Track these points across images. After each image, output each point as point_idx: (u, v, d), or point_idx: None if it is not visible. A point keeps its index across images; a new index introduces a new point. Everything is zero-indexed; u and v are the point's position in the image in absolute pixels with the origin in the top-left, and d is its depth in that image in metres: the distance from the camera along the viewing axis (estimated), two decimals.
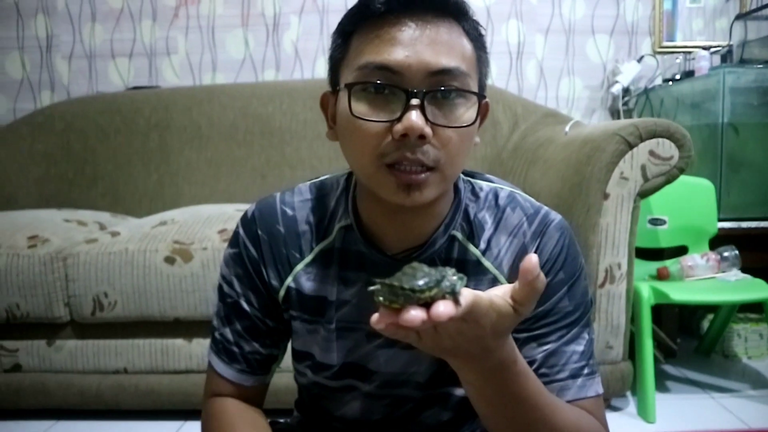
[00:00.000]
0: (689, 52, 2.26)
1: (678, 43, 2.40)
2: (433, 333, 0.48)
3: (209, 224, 1.54)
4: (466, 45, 0.60)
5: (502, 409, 0.59)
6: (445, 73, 0.57)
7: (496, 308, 0.49)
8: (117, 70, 2.45)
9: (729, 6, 2.40)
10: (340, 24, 0.63)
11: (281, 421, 0.86)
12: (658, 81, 2.33)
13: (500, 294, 0.50)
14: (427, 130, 0.56)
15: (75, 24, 2.43)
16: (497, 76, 2.42)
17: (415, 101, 0.56)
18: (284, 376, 1.14)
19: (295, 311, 0.73)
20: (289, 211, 0.73)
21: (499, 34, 2.40)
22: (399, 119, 0.56)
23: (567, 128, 1.73)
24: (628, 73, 2.32)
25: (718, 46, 2.20)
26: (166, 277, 1.46)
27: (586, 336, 0.69)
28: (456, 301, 0.44)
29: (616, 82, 2.32)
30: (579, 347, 0.68)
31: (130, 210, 2.13)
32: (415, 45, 0.57)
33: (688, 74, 2.17)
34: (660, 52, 2.39)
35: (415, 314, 0.42)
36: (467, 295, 0.46)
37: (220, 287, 0.75)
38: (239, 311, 0.73)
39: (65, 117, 2.24)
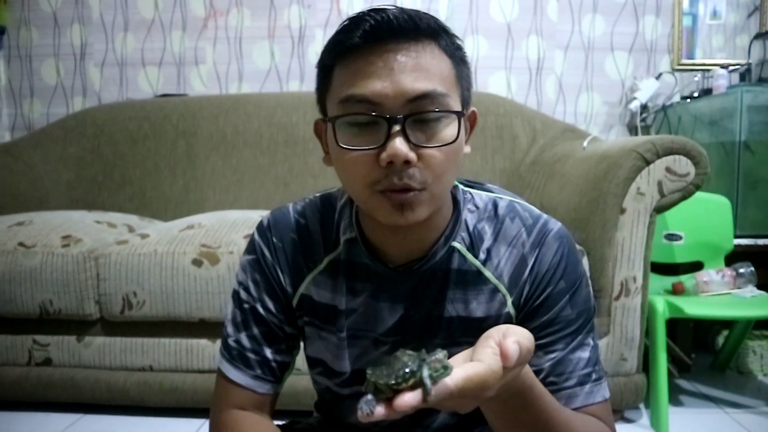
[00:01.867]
0: (708, 70, 2.29)
1: (697, 60, 2.42)
2: (443, 403, 0.50)
3: (235, 229, 1.59)
4: (444, 64, 0.61)
5: (519, 430, 0.61)
6: (423, 97, 0.59)
7: (496, 376, 0.50)
8: (147, 77, 2.53)
9: (750, 22, 2.42)
10: (320, 58, 0.65)
11: (302, 421, 0.89)
12: (676, 98, 2.36)
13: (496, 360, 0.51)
14: (411, 155, 0.58)
15: (108, 33, 2.52)
16: (516, 91, 2.46)
17: (396, 127, 0.58)
18: (303, 379, 1.18)
19: (308, 317, 0.75)
20: (302, 220, 0.75)
21: (519, 49, 2.44)
22: (383, 146, 0.59)
23: (585, 144, 1.76)
24: (647, 90, 2.34)
25: (737, 65, 2.22)
26: (193, 278, 1.51)
27: (590, 342, 0.70)
28: (425, 393, 0.47)
29: (635, 98, 2.35)
30: (584, 354, 0.69)
31: (156, 213, 2.19)
32: (392, 74, 0.58)
33: (707, 92, 2.20)
34: (678, 70, 2.42)
35: (379, 410, 0.48)
36: (457, 377, 0.48)
37: (236, 293, 0.76)
38: (256, 316, 0.74)
39: (96, 122, 2.32)
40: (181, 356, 1.57)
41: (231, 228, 1.60)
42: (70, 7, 2.52)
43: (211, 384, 1.60)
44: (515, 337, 0.51)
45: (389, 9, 0.60)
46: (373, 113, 0.59)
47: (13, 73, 2.57)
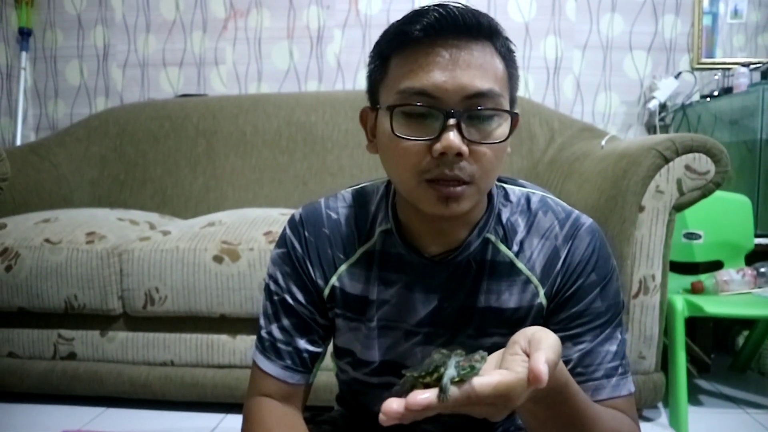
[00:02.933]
0: (728, 69, 2.27)
1: (717, 59, 2.40)
2: (471, 409, 0.49)
3: (255, 226, 1.62)
4: (499, 65, 0.63)
5: (551, 426, 0.61)
6: (479, 96, 0.61)
7: (523, 385, 0.49)
8: (167, 78, 2.57)
9: None
10: (377, 46, 0.67)
11: (323, 413, 0.91)
12: (696, 97, 2.34)
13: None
14: (464, 148, 0.60)
15: (130, 35, 2.56)
16: (534, 90, 2.46)
17: (452, 121, 0.60)
18: (323, 375, 1.19)
19: (338, 309, 0.77)
20: (334, 215, 0.77)
21: (537, 49, 2.44)
22: (437, 138, 0.60)
23: (603, 142, 1.76)
24: (666, 89, 2.33)
25: (759, 63, 2.19)
26: (214, 275, 1.54)
27: (618, 336, 0.71)
28: (441, 392, 0.47)
29: (653, 97, 2.34)
30: (612, 347, 0.70)
31: (176, 212, 2.22)
32: (451, 69, 0.60)
33: (727, 91, 2.18)
34: (698, 69, 2.40)
35: (391, 405, 0.46)
36: (482, 383, 0.47)
37: (267, 287, 0.78)
38: (286, 308, 0.76)
39: (119, 122, 2.36)
40: (202, 351, 1.60)
41: (251, 225, 1.62)
42: (94, 9, 2.57)
43: (231, 379, 1.64)
44: (544, 354, 0.48)
45: (452, 5, 0.62)
46: (431, 106, 0.61)
47: (39, 74, 2.63)
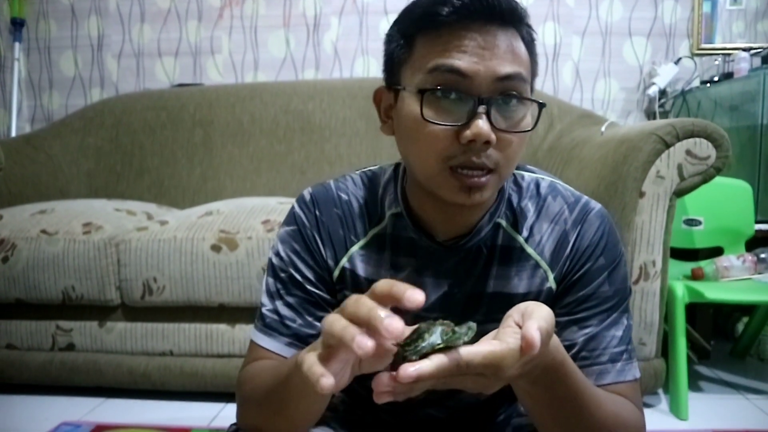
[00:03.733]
0: (728, 54, 2.25)
1: (717, 45, 2.39)
2: (461, 380, 0.49)
3: (253, 215, 1.61)
4: (524, 51, 0.63)
5: (548, 407, 0.60)
6: (509, 78, 0.60)
7: (514, 355, 0.48)
8: (163, 68, 2.55)
9: None
10: (400, 24, 0.65)
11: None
12: (696, 83, 2.33)
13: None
14: (493, 136, 0.59)
15: (125, 24, 2.54)
16: None
17: (482, 108, 0.59)
18: None
19: (348, 291, 0.75)
20: (345, 196, 0.76)
21: (536, 35, 2.41)
22: (467, 125, 0.59)
23: (603, 128, 1.75)
24: (665, 75, 2.31)
25: (759, 48, 2.18)
26: (212, 264, 1.53)
27: (624, 321, 0.71)
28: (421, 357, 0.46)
29: (653, 84, 2.33)
30: (618, 332, 0.70)
31: (174, 202, 2.21)
32: (482, 52, 0.59)
33: (727, 76, 2.16)
34: (698, 54, 2.39)
35: (382, 379, 0.45)
36: (470, 351, 0.47)
37: (272, 265, 0.76)
38: (294, 283, 0.74)
39: (114, 112, 2.34)
40: (201, 341, 1.59)
41: (249, 214, 1.61)
42: None
43: (230, 368, 1.63)
44: (536, 322, 0.49)
45: None
46: (462, 89, 0.60)
47: (33, 65, 2.60)
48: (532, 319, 0.49)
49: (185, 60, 2.53)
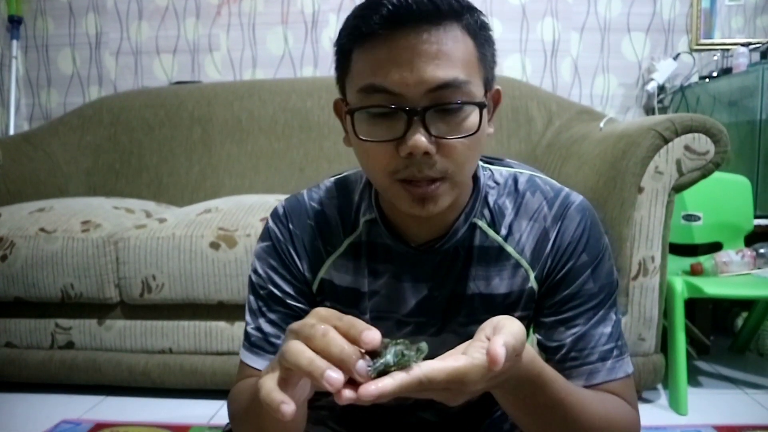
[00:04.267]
0: (727, 50, 2.25)
1: (716, 40, 2.38)
2: (426, 394, 0.48)
3: (252, 212, 1.60)
4: (467, 46, 0.59)
5: (528, 414, 0.60)
6: (444, 87, 0.57)
7: (479, 370, 0.48)
8: (161, 65, 2.54)
9: None
10: (338, 39, 0.63)
11: (321, 398, 0.90)
12: (695, 78, 2.32)
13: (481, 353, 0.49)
14: (431, 147, 0.57)
15: (123, 22, 2.53)
16: (532, 73, 2.44)
17: (416, 119, 0.57)
18: None
19: (329, 302, 0.74)
20: (317, 206, 0.75)
21: (535, 31, 2.42)
22: (403, 138, 0.58)
23: (602, 124, 1.75)
24: (664, 71, 2.31)
25: (758, 43, 2.18)
26: (211, 261, 1.53)
27: (613, 317, 0.70)
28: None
29: (652, 79, 2.32)
30: (606, 329, 0.69)
31: (173, 200, 2.21)
32: (412, 63, 0.57)
33: (726, 71, 2.16)
34: (697, 50, 2.38)
35: (347, 394, 0.44)
36: (429, 367, 0.46)
37: (251, 282, 0.75)
38: (275, 300, 0.73)
39: (113, 110, 2.34)
40: (200, 339, 1.59)
41: (248, 211, 1.61)
42: None
43: (230, 366, 1.63)
44: (503, 338, 0.47)
45: None
46: (393, 105, 0.58)
47: (30, 63, 2.60)
48: (500, 335, 0.48)
49: (183, 57, 2.53)
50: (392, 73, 0.57)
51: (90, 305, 1.62)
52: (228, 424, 0.79)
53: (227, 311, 1.58)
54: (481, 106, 0.60)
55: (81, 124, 2.34)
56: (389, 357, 0.46)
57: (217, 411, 1.54)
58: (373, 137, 0.59)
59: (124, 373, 1.61)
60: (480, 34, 0.62)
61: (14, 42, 2.53)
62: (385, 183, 0.62)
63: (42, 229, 1.61)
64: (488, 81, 0.64)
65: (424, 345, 0.48)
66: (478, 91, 0.61)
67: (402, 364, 0.46)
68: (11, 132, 2.49)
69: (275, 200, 1.71)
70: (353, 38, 0.60)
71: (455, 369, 0.47)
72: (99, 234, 1.60)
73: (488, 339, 0.49)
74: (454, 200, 0.65)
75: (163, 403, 1.59)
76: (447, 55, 0.57)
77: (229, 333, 1.58)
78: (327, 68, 2.47)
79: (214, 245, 1.53)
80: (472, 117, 0.60)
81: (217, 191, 2.19)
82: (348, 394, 0.43)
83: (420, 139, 0.57)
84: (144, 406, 1.58)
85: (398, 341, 0.48)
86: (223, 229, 1.55)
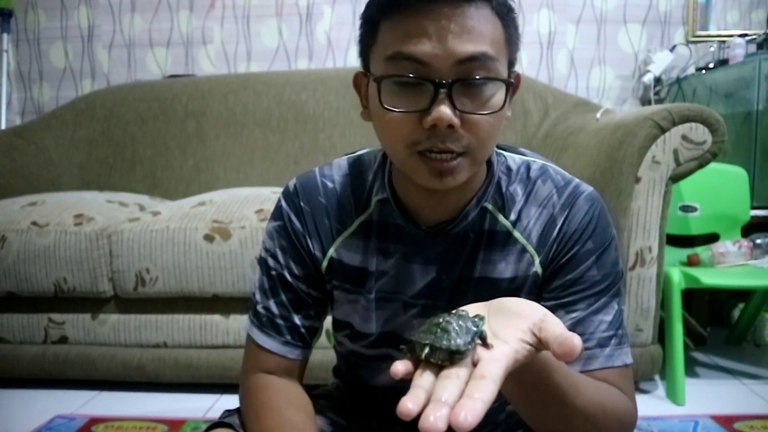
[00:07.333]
0: (723, 41, 2.24)
1: (712, 32, 2.38)
2: None
3: (246, 204, 1.59)
4: (495, 26, 0.60)
5: (520, 394, 0.58)
6: (472, 59, 0.57)
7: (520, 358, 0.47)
8: (155, 58, 2.52)
9: None
10: (367, 9, 0.64)
11: (319, 387, 0.89)
12: (691, 70, 2.32)
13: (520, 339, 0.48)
14: (455, 120, 0.57)
15: (115, 14, 2.51)
16: (528, 66, 2.42)
17: (443, 92, 0.57)
18: (318, 353, 1.18)
19: (337, 281, 0.75)
20: (330, 184, 0.74)
21: (531, 23, 2.40)
22: (428, 110, 0.58)
23: (598, 115, 1.74)
24: (660, 63, 2.31)
25: (755, 34, 2.17)
26: (205, 254, 1.51)
27: (615, 306, 0.69)
28: (486, 346, 0.46)
29: (648, 71, 2.32)
30: (607, 317, 0.68)
31: (167, 194, 2.19)
32: (442, 34, 0.57)
33: (722, 63, 2.15)
34: (693, 42, 2.38)
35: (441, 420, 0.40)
36: (498, 367, 0.44)
37: (263, 261, 0.76)
38: (284, 283, 0.74)
39: (106, 104, 2.32)
40: (195, 332, 1.58)
41: (242, 204, 1.59)
42: None
43: (225, 359, 1.62)
44: (562, 327, 0.47)
45: None
46: (420, 75, 0.58)
47: (22, 56, 2.57)
48: (559, 326, 0.48)
49: (177, 50, 2.50)
50: (422, 43, 0.57)
51: (83, 299, 1.60)
52: (225, 412, 0.79)
53: (222, 304, 1.56)
54: (507, 84, 0.61)
55: (74, 118, 2.32)
56: (479, 322, 0.46)
57: (213, 404, 1.53)
58: (398, 107, 0.59)
59: (118, 367, 1.59)
60: (508, 16, 0.62)
61: (5, 35, 2.50)
62: (403, 155, 0.61)
63: (34, 223, 1.60)
64: (512, 64, 0.64)
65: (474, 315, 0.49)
66: (503, 70, 0.61)
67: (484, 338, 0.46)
68: (2, 126, 2.47)
69: (270, 192, 1.70)
70: (383, 8, 0.60)
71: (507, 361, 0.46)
72: (92, 227, 1.59)
73: (533, 331, 0.48)
74: (468, 182, 0.65)
75: (158, 398, 1.58)
76: (477, 31, 0.58)
77: (224, 326, 1.57)
78: (322, 61, 2.46)
79: (209, 238, 1.52)
80: (498, 95, 0.60)
81: (211, 185, 2.18)
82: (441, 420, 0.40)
83: (446, 111, 0.57)
84: (139, 400, 1.57)
85: (457, 314, 0.47)
86: (217, 221, 1.54)
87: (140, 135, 2.27)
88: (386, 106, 0.60)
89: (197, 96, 2.26)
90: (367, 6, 0.64)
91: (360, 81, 0.68)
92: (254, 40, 2.47)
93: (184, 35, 2.49)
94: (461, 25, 0.57)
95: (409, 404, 0.41)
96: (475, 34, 0.58)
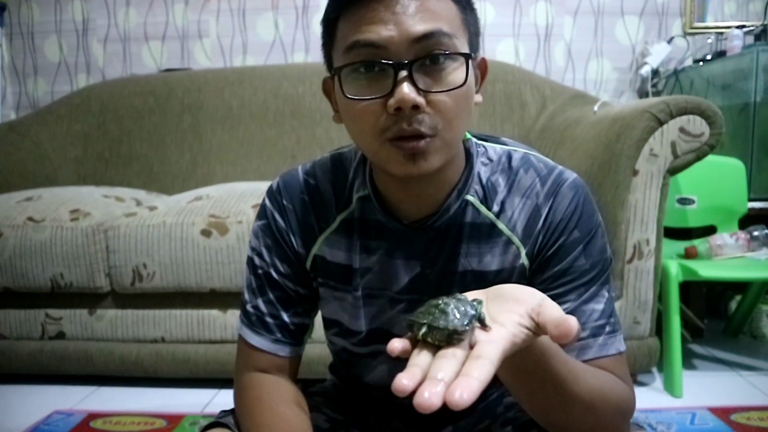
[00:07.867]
0: (721, 33, 2.23)
1: (710, 23, 2.37)
2: None
3: (243, 199, 1.58)
4: (450, 7, 0.61)
5: (524, 384, 0.59)
6: (428, 37, 0.58)
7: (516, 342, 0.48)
8: (150, 52, 2.50)
9: None
10: (325, 12, 0.65)
11: (315, 385, 0.89)
12: (689, 62, 2.31)
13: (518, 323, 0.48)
14: (419, 99, 0.57)
15: (110, 8, 2.49)
16: (525, 58, 2.42)
17: (403, 73, 0.57)
18: (316, 347, 1.18)
19: (322, 278, 0.75)
20: (312, 181, 0.74)
21: (528, 16, 2.39)
22: (391, 93, 0.58)
23: (596, 107, 1.73)
24: (658, 55, 2.30)
25: (753, 25, 2.16)
26: (202, 249, 1.51)
27: (605, 294, 0.69)
28: (484, 328, 0.46)
29: (645, 63, 2.31)
30: (599, 306, 0.68)
31: (163, 188, 2.18)
32: (396, 17, 0.58)
33: (720, 54, 2.15)
34: (691, 33, 2.37)
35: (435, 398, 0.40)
36: (496, 348, 0.44)
37: (250, 260, 0.76)
38: (271, 281, 0.74)
39: (101, 98, 2.30)
40: (192, 327, 1.58)
41: (239, 198, 1.59)
42: None
43: (223, 354, 1.62)
44: (560, 311, 0.47)
45: None
46: (378, 59, 0.58)
47: (16, 51, 2.55)
48: (556, 309, 0.48)
49: (172, 44, 2.49)
50: (376, 28, 0.58)
51: (80, 295, 1.60)
52: (221, 412, 0.78)
53: (219, 299, 1.56)
54: (466, 57, 0.60)
55: (69, 113, 2.31)
56: (477, 306, 0.47)
57: (210, 399, 1.53)
58: (361, 96, 0.60)
59: (116, 362, 1.59)
60: (464, 1, 0.63)
61: None
62: (375, 145, 0.61)
63: (30, 218, 1.59)
64: (473, 46, 0.64)
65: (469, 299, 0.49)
66: (462, 47, 0.61)
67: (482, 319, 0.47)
68: None
69: (267, 186, 1.69)
70: (338, 6, 0.61)
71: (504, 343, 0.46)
72: (88, 222, 1.58)
73: (531, 316, 0.48)
74: (446, 172, 0.65)
75: (156, 393, 1.58)
76: (430, 11, 0.59)
77: (222, 321, 1.57)
78: (318, 54, 2.41)
79: (206, 232, 1.51)
80: (459, 71, 0.60)
81: (208, 179, 2.17)
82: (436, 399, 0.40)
83: (408, 92, 0.57)
84: (137, 395, 1.57)
85: (454, 298, 0.48)
86: (214, 216, 1.53)
87: (136, 129, 2.26)
88: (349, 96, 0.60)
89: (193, 90, 2.25)
90: (325, 10, 0.64)
91: (328, 85, 0.68)
92: (250, 34, 2.46)
93: (180, 29, 2.48)
94: (415, 7, 0.58)
95: (404, 380, 0.42)
96: (429, 14, 0.58)
